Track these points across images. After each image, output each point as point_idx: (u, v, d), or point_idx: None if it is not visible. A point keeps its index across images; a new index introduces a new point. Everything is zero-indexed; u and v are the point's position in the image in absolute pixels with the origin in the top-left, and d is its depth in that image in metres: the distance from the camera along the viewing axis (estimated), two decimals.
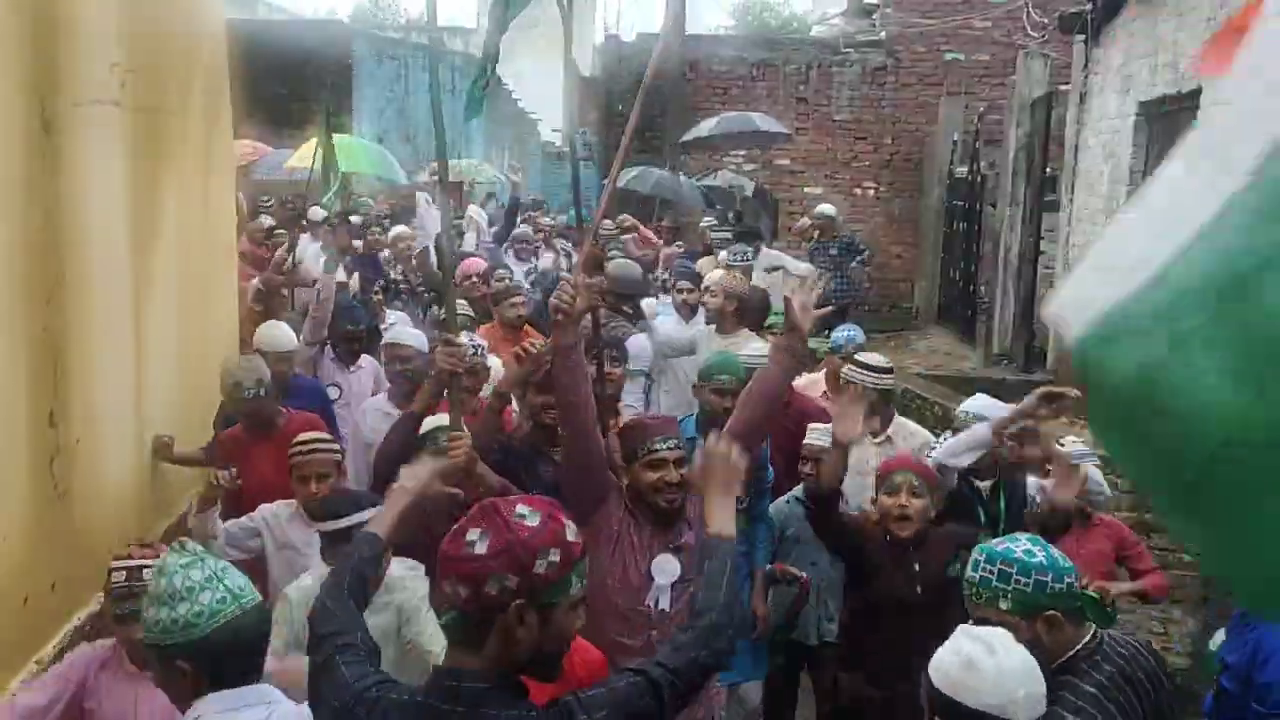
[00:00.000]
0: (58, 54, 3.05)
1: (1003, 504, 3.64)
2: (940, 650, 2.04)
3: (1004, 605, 2.26)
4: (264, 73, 9.58)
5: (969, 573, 2.35)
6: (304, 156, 7.87)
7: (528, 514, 1.70)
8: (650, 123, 13.78)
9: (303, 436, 3.51)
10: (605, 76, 14.60)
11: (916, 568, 3.21)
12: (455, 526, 1.73)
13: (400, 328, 4.89)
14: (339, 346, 4.98)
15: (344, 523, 2.88)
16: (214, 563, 2.02)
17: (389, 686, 1.78)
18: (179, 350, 4.07)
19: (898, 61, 13.75)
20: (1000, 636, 2.02)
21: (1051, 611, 2.24)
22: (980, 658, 1.94)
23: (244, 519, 3.53)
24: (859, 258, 10.05)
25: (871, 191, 14.01)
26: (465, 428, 3.15)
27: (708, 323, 5.43)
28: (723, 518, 2.13)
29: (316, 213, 6.95)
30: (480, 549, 1.66)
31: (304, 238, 6.66)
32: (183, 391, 4.09)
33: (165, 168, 3.98)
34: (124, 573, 2.62)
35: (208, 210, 4.47)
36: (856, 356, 4.44)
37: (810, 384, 4.87)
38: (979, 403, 3.86)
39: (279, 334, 4.32)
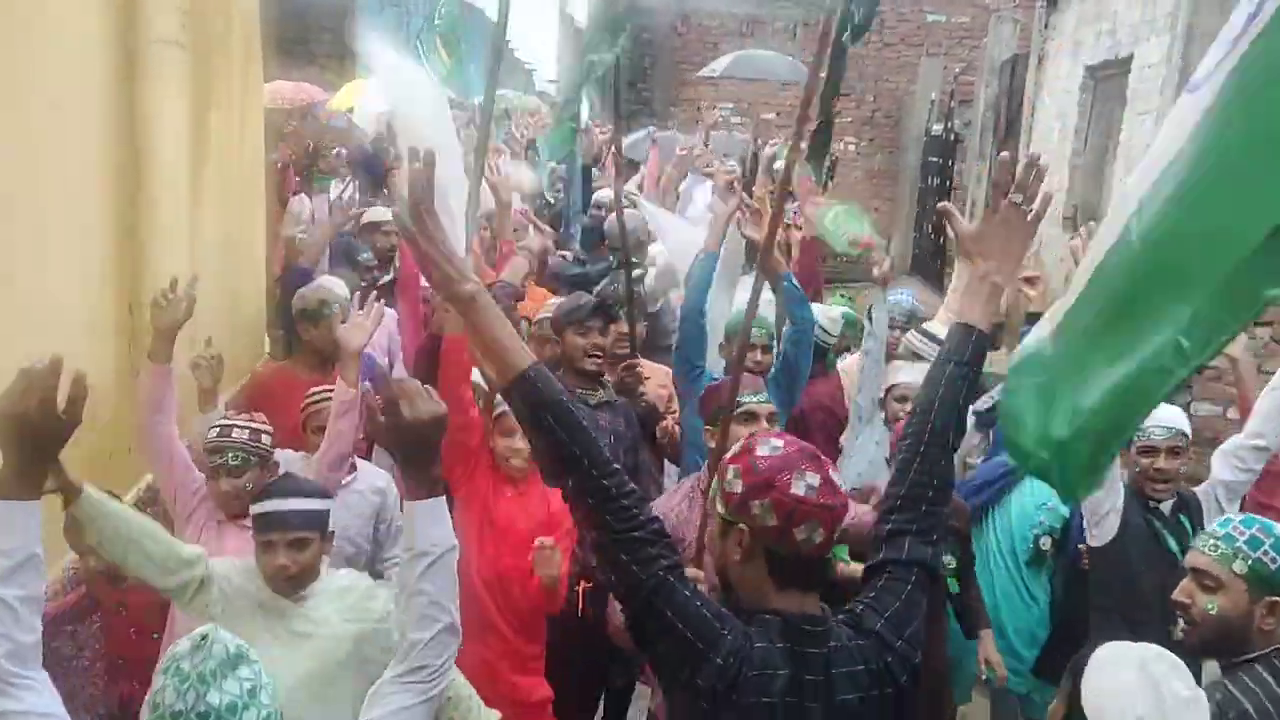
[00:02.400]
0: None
1: (1189, 527, 3.32)
2: (1113, 669, 1.82)
3: (1237, 568, 2.19)
4: (264, 18, 9.98)
5: (1213, 525, 2.33)
6: (343, 101, 8.26)
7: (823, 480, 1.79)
8: (640, 75, 14.31)
9: (315, 388, 3.53)
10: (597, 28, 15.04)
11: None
12: (805, 471, 1.74)
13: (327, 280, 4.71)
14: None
15: (272, 506, 2.62)
16: (248, 669, 1.73)
17: (748, 632, 1.75)
18: (223, 260, 4.68)
19: (882, 21, 14.26)
20: (1187, 701, 1.74)
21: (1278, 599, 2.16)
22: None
23: (287, 453, 3.45)
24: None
25: (852, 147, 14.61)
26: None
27: None
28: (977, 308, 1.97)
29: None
30: (842, 484, 1.80)
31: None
32: (224, 297, 4.70)
33: (212, 101, 4.56)
34: (217, 430, 3.08)
35: (244, 142, 5.06)
36: (923, 326, 4.27)
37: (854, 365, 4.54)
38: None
39: (335, 285, 4.44)
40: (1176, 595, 2.37)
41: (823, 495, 1.72)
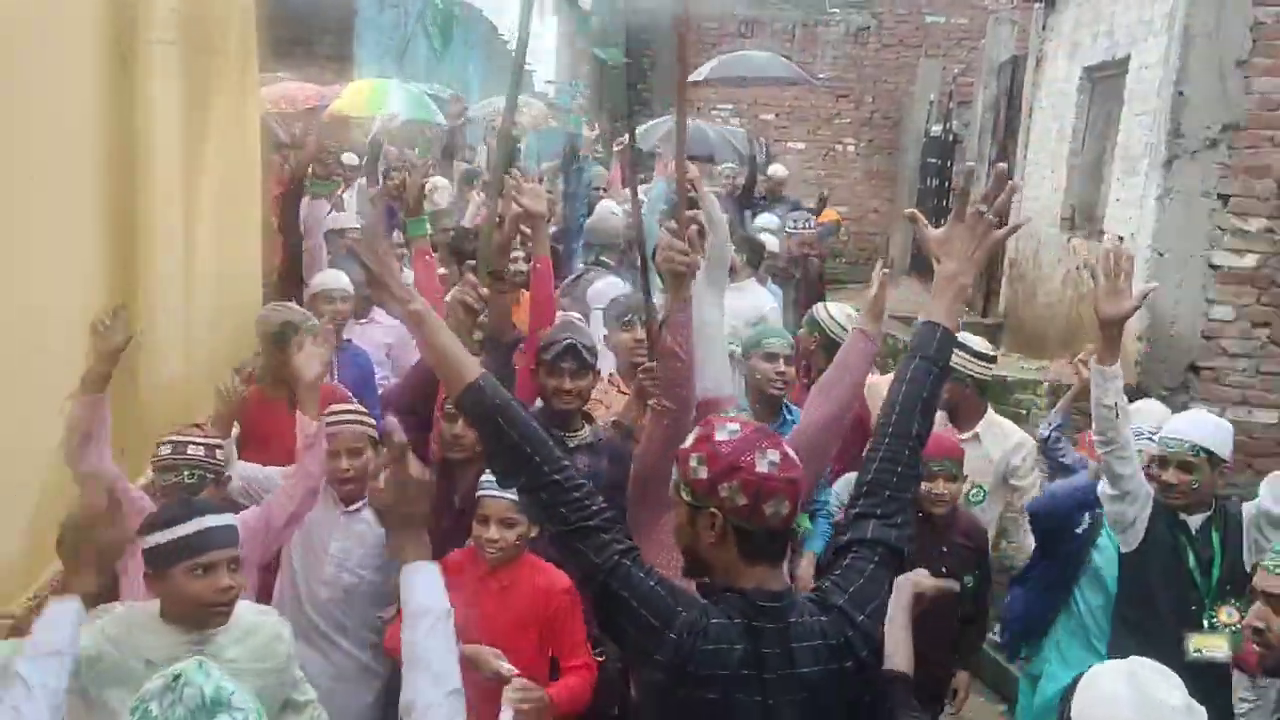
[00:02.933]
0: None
1: (1217, 543, 3.15)
2: (1106, 684, 1.71)
3: None
4: (266, 18, 10.02)
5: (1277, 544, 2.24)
6: (351, 104, 8.23)
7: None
8: (640, 76, 14.30)
9: (334, 406, 3.27)
10: (596, 31, 15.06)
11: (945, 549, 3.35)
12: (765, 450, 1.82)
13: (330, 271, 4.63)
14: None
15: (208, 522, 2.31)
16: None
17: (706, 608, 1.82)
18: (219, 260, 4.68)
19: (880, 23, 14.28)
20: (1179, 710, 1.64)
21: None
22: None
23: (270, 469, 3.34)
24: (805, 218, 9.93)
25: (851, 148, 14.60)
26: None
27: None
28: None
29: (350, 158, 7.19)
30: (797, 456, 1.88)
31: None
32: (221, 296, 4.69)
33: (208, 100, 4.55)
34: (169, 446, 2.92)
35: (243, 139, 5.06)
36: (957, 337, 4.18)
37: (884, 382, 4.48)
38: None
39: (335, 274, 4.35)
40: (1250, 620, 2.36)
41: (784, 469, 1.81)
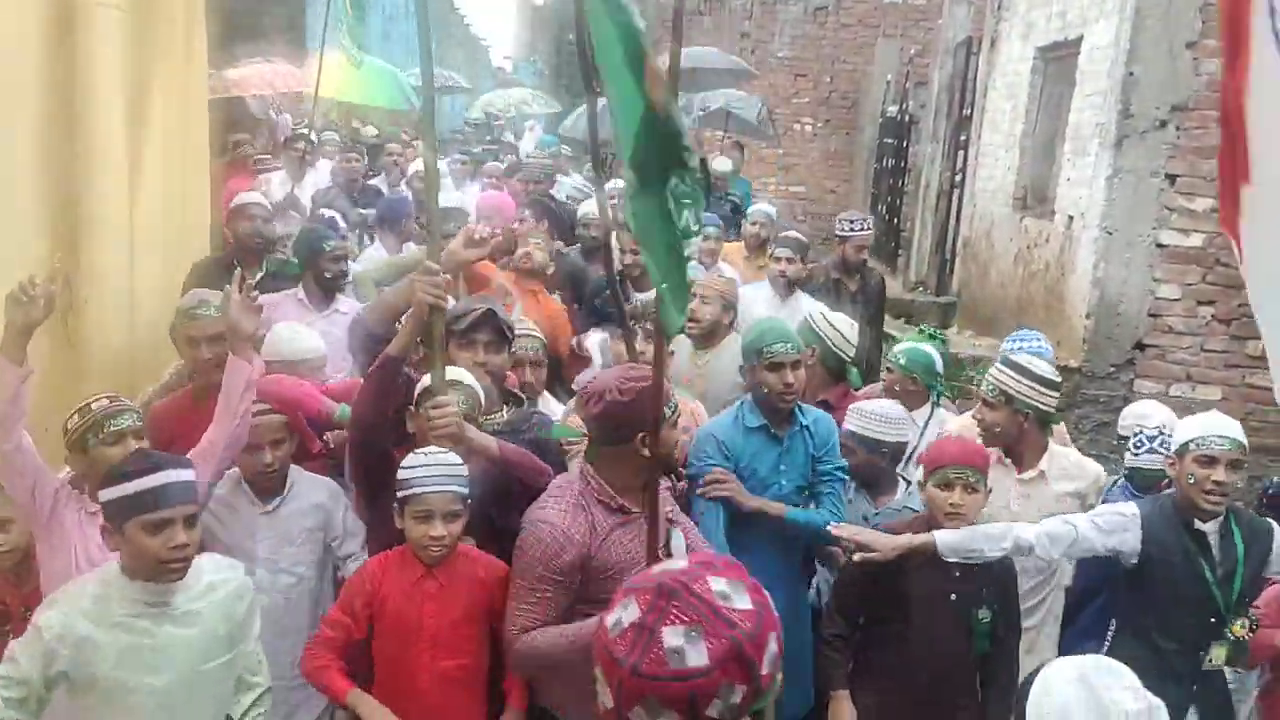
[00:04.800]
0: None
1: (1240, 553, 3.02)
2: (1058, 685, 1.63)
3: None
4: None
5: None
6: (341, 90, 7.87)
7: (730, 591, 1.22)
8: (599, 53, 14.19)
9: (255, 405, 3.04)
10: (555, 6, 14.96)
11: (958, 574, 2.97)
12: (622, 620, 1.22)
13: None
14: (311, 280, 4.40)
15: (161, 479, 2.31)
16: None
17: None
18: (164, 229, 4.58)
19: (839, 2, 14.29)
20: (1134, 715, 1.58)
21: None
22: None
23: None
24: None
25: (809, 128, 14.62)
26: (462, 380, 2.86)
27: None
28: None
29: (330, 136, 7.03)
30: (696, 659, 1.17)
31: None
32: (166, 265, 4.60)
33: (152, 66, 4.44)
34: (106, 400, 2.81)
35: (187, 105, 4.94)
36: (1011, 357, 3.48)
37: (965, 428, 3.62)
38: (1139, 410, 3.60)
39: (300, 341, 3.77)
40: None
41: (620, 641, 1.22)
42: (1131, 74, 5.83)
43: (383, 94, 9.09)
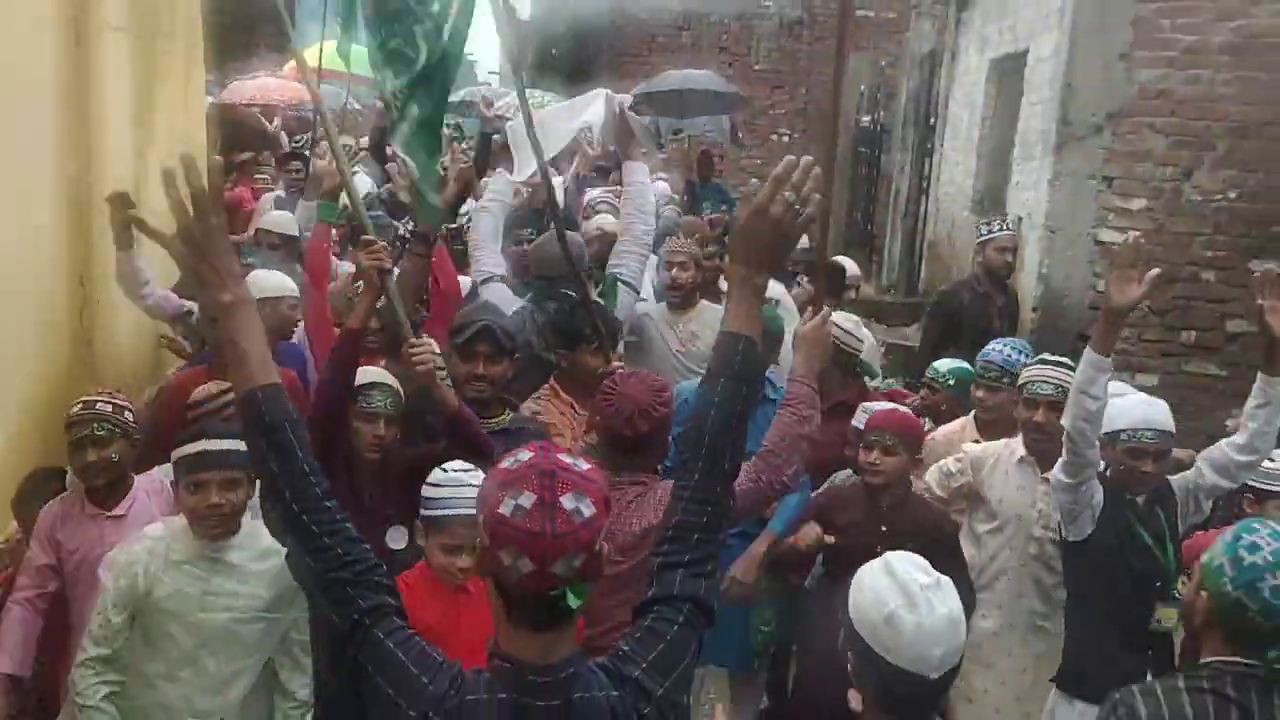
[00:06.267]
0: None
1: (1164, 517, 3.21)
2: (863, 581, 1.87)
3: None
4: (206, 6, 10.08)
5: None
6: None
7: (571, 460, 1.54)
8: (579, 67, 14.63)
9: (205, 444, 2.79)
10: (540, 21, 15.36)
11: (884, 529, 3.20)
12: (523, 504, 1.46)
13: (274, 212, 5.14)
14: None
15: (203, 445, 2.63)
16: None
17: (462, 681, 1.53)
18: (167, 227, 4.94)
19: (813, 16, 14.74)
20: (928, 586, 1.81)
21: None
22: (901, 614, 1.78)
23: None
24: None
25: (787, 138, 15.05)
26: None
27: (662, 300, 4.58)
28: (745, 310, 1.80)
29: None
30: (588, 510, 1.48)
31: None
32: (168, 262, 4.94)
33: (155, 81, 4.81)
34: (79, 405, 2.97)
35: (187, 117, 5.32)
36: (1047, 357, 3.50)
37: (953, 432, 3.94)
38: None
39: (276, 278, 4.08)
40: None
41: (530, 520, 1.45)
42: (1069, 84, 6.24)
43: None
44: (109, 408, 2.98)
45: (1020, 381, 3.49)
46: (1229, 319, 6.28)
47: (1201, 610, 2.06)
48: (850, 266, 5.81)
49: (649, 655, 1.61)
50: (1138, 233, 3.09)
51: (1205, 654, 2.07)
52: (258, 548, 2.67)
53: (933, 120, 9.88)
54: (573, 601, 1.48)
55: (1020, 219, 6.96)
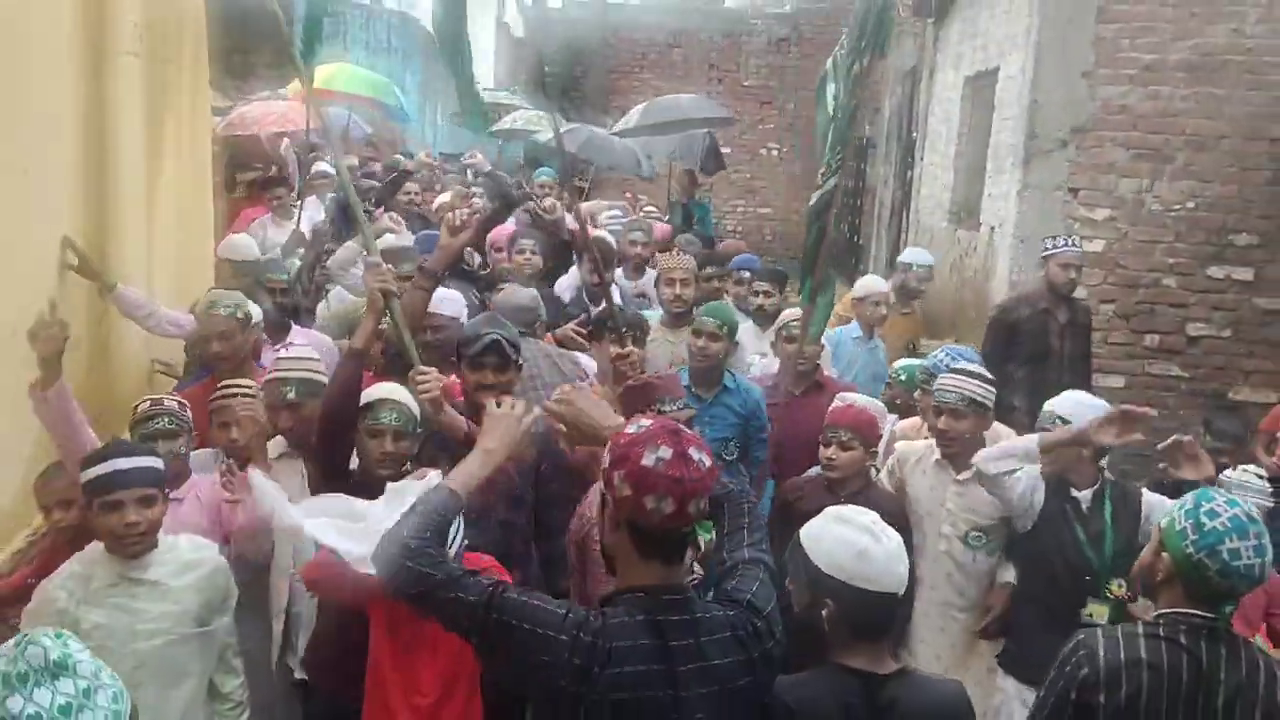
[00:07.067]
0: (104, 13, 4.18)
1: (1108, 517, 3.32)
2: (820, 535, 2.08)
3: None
4: (212, 30, 10.32)
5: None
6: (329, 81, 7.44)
7: (679, 427, 1.93)
8: (573, 83, 14.96)
9: (227, 381, 3.46)
10: (534, 39, 15.69)
11: None
12: (663, 455, 1.81)
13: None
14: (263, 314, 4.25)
15: (113, 465, 2.60)
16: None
17: (600, 609, 1.87)
18: (177, 245, 5.21)
19: (800, 33, 15.08)
20: (875, 520, 2.08)
21: None
22: (870, 547, 2.02)
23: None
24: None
25: (775, 153, 15.37)
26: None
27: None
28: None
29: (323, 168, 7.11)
30: (707, 461, 1.86)
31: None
32: (179, 280, 5.22)
33: (164, 104, 5.08)
34: (148, 402, 3.24)
35: (194, 139, 5.58)
36: (959, 367, 3.67)
37: (910, 427, 4.17)
38: (1066, 404, 3.43)
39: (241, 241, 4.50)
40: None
41: (671, 468, 1.80)
42: (1036, 100, 6.53)
43: (367, 86, 8.91)
44: (175, 405, 3.23)
45: (933, 387, 3.69)
46: (1190, 323, 6.57)
47: (1163, 569, 2.27)
48: (877, 284, 5.72)
49: (752, 587, 1.96)
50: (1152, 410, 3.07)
51: (1161, 606, 2.31)
52: (179, 561, 2.68)
53: (914, 135, 10.18)
54: (704, 535, 1.98)
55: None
